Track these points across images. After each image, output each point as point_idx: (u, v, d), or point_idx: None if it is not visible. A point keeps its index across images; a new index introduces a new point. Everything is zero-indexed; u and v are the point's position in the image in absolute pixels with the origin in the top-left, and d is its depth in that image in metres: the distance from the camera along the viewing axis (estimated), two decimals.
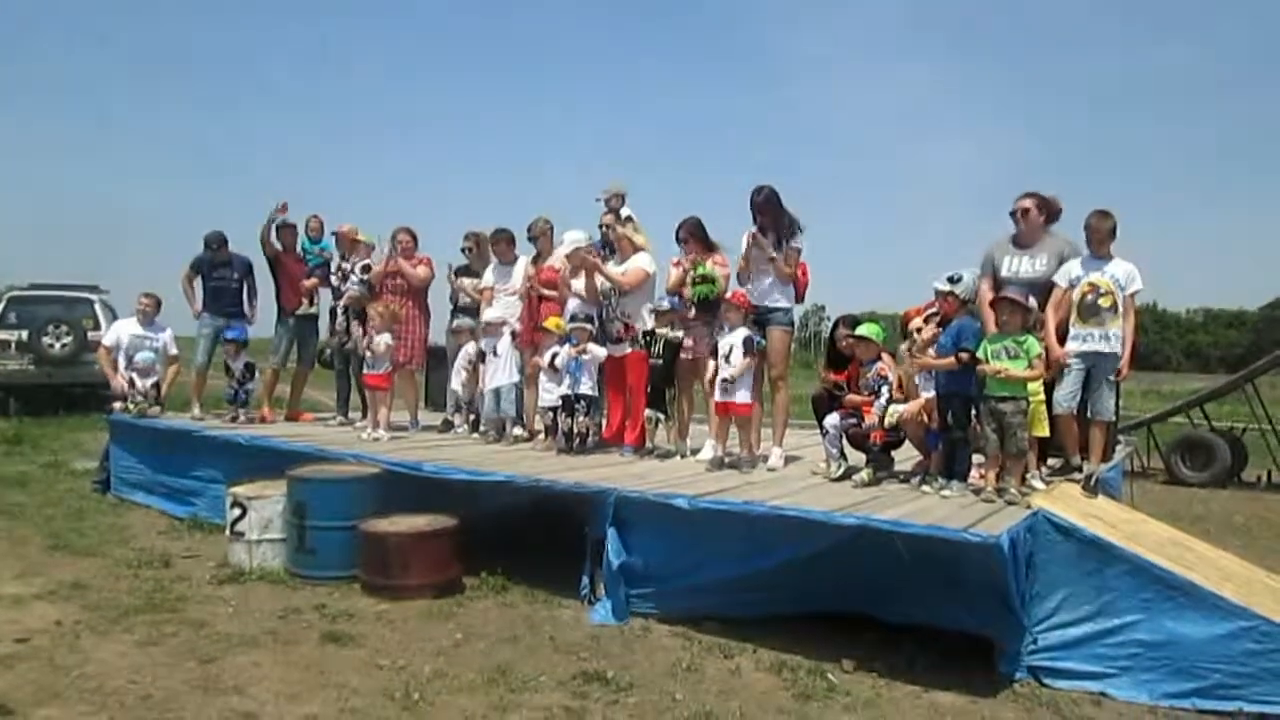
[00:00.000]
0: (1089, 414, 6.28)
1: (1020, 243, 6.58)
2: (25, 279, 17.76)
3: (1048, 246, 6.49)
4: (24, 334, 16.14)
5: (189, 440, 8.57)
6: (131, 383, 9.42)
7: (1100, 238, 6.20)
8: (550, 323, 7.97)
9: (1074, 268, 6.25)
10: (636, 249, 7.78)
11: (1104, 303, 6.10)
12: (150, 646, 5.07)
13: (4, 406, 16.06)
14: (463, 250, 9.40)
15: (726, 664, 5.10)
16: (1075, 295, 6.19)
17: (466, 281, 9.24)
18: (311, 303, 9.92)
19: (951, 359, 5.81)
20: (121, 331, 9.80)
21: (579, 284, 7.92)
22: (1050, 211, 6.60)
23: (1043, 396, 6.15)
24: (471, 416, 9.09)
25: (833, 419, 6.54)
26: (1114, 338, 6.11)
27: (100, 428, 11.17)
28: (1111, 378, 6.16)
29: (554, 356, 7.69)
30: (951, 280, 6.03)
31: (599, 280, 7.70)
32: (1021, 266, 6.50)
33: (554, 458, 7.43)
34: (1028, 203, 6.52)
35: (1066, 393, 6.18)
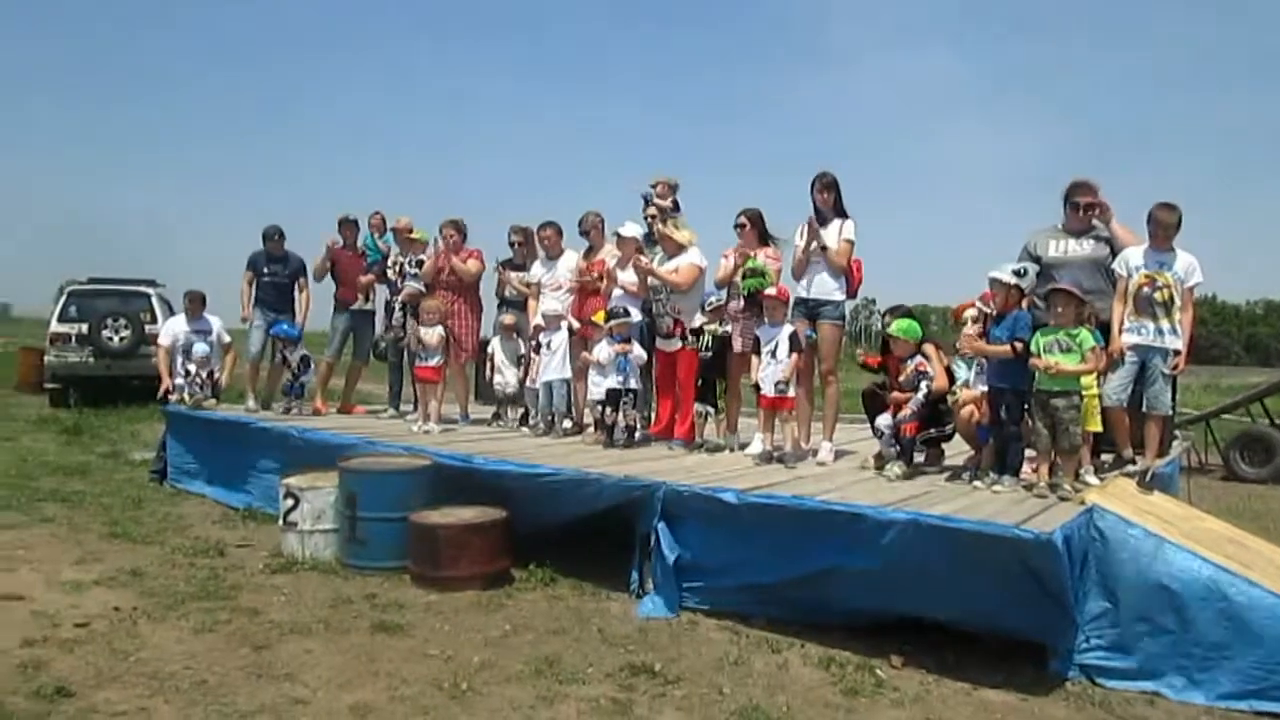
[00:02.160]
0: (1145, 408, 6.17)
1: (1069, 229, 6.54)
2: (84, 274, 18.09)
3: (1093, 233, 6.51)
4: (84, 327, 16.46)
5: (243, 432, 8.70)
6: (188, 373, 9.64)
7: (1165, 232, 6.09)
8: (598, 316, 7.96)
9: (1134, 256, 6.15)
10: (680, 246, 7.75)
11: (1160, 296, 6.01)
12: (205, 633, 5.16)
13: (65, 397, 16.43)
14: (510, 244, 9.45)
15: (774, 658, 5.08)
16: (1131, 286, 6.10)
17: (513, 275, 9.28)
18: (368, 298, 10.04)
19: (1006, 347, 5.74)
20: (176, 329, 10.03)
21: (626, 276, 7.92)
22: None
23: (1096, 390, 6.04)
24: (520, 410, 9.13)
25: (884, 419, 6.46)
26: (1168, 332, 6.01)
27: (157, 419, 11.37)
28: (1167, 371, 6.05)
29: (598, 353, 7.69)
30: (1018, 274, 5.95)
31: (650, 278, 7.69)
32: (1070, 248, 6.50)
33: (603, 451, 7.43)
34: (1094, 198, 6.47)
35: (1117, 385, 6.10)
